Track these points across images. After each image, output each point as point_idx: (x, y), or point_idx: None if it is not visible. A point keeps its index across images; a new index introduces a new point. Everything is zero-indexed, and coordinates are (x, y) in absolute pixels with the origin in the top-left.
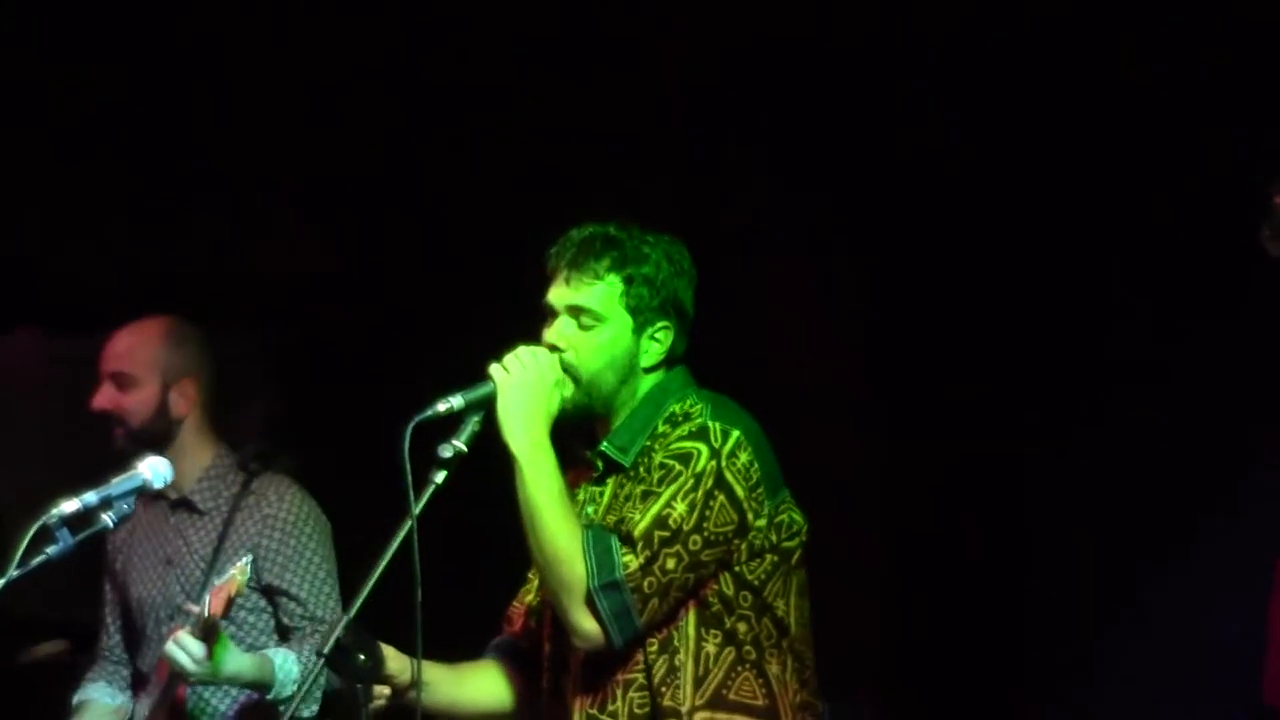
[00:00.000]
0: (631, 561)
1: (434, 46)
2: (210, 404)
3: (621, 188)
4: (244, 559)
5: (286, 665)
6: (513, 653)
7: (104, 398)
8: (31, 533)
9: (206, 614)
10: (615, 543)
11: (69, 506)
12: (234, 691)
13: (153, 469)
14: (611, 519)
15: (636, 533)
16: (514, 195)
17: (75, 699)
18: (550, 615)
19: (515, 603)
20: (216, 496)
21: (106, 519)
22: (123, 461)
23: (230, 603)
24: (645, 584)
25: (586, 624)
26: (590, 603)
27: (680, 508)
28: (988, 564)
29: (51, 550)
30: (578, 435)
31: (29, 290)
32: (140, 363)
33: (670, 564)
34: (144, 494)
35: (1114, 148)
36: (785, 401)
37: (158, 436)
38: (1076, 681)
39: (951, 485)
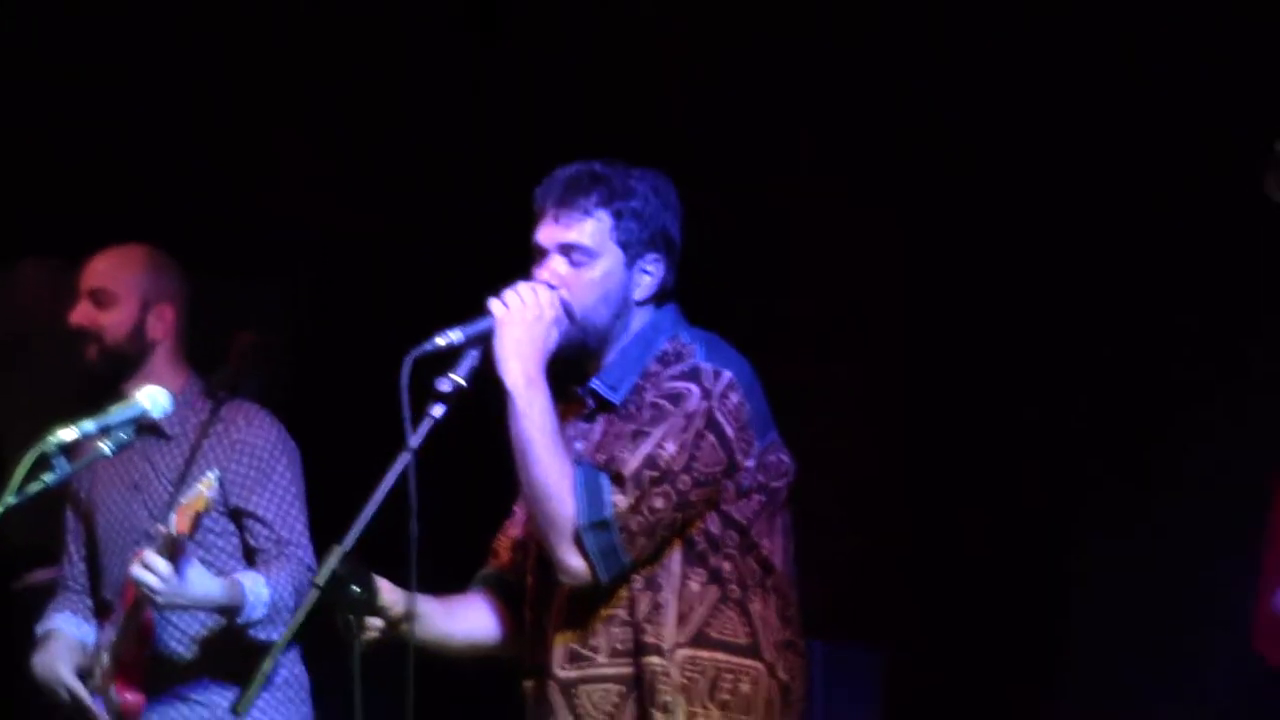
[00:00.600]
0: (621, 501)
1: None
2: (184, 333)
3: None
4: (209, 474)
5: (256, 588)
6: (500, 586)
7: (81, 314)
8: (30, 460)
9: (173, 532)
10: (605, 482)
11: (67, 434)
12: (202, 616)
13: (151, 399)
14: (601, 457)
15: (627, 472)
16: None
17: (40, 630)
18: (535, 550)
19: (501, 535)
20: (184, 422)
21: (104, 447)
22: (97, 380)
23: (197, 520)
24: (633, 523)
25: (574, 561)
26: (578, 540)
27: (671, 448)
28: (1004, 517)
29: (49, 478)
30: (568, 371)
31: (38, 222)
32: (121, 281)
33: (659, 503)
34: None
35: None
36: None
37: (131, 358)
38: (1086, 633)
39: (970, 440)
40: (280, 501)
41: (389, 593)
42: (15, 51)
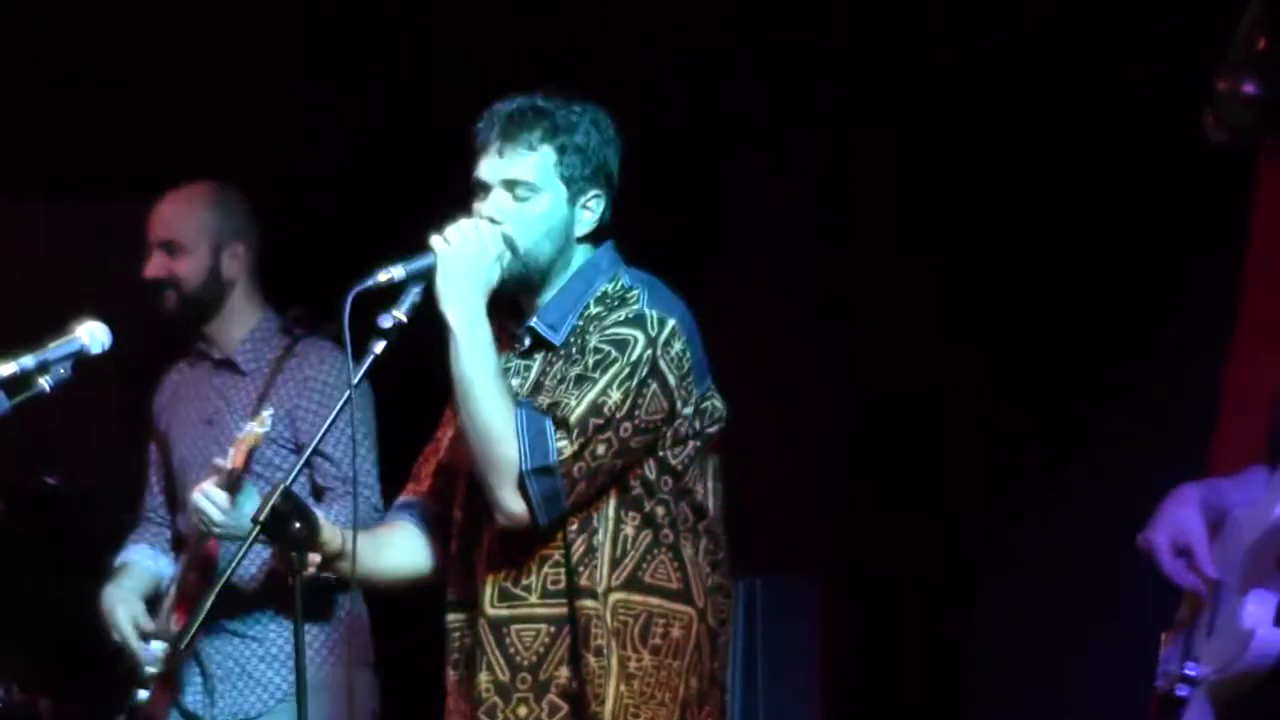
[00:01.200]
0: (566, 447)
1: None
2: (257, 266)
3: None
4: (264, 412)
5: None
6: (422, 514)
7: (156, 266)
8: None
9: (230, 465)
10: (549, 426)
11: (4, 370)
12: (263, 552)
13: (90, 334)
14: (544, 399)
15: (572, 419)
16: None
17: (117, 560)
18: (465, 484)
19: (422, 461)
20: (259, 358)
21: (43, 383)
22: (176, 328)
23: (250, 455)
24: (575, 469)
25: (514, 505)
26: (520, 484)
27: (615, 395)
28: (940, 452)
29: None
30: (502, 307)
31: None
32: (190, 229)
33: (600, 449)
34: (189, 356)
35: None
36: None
37: (209, 301)
38: (1021, 576)
39: (911, 380)
40: (348, 440)
41: (325, 530)
42: None
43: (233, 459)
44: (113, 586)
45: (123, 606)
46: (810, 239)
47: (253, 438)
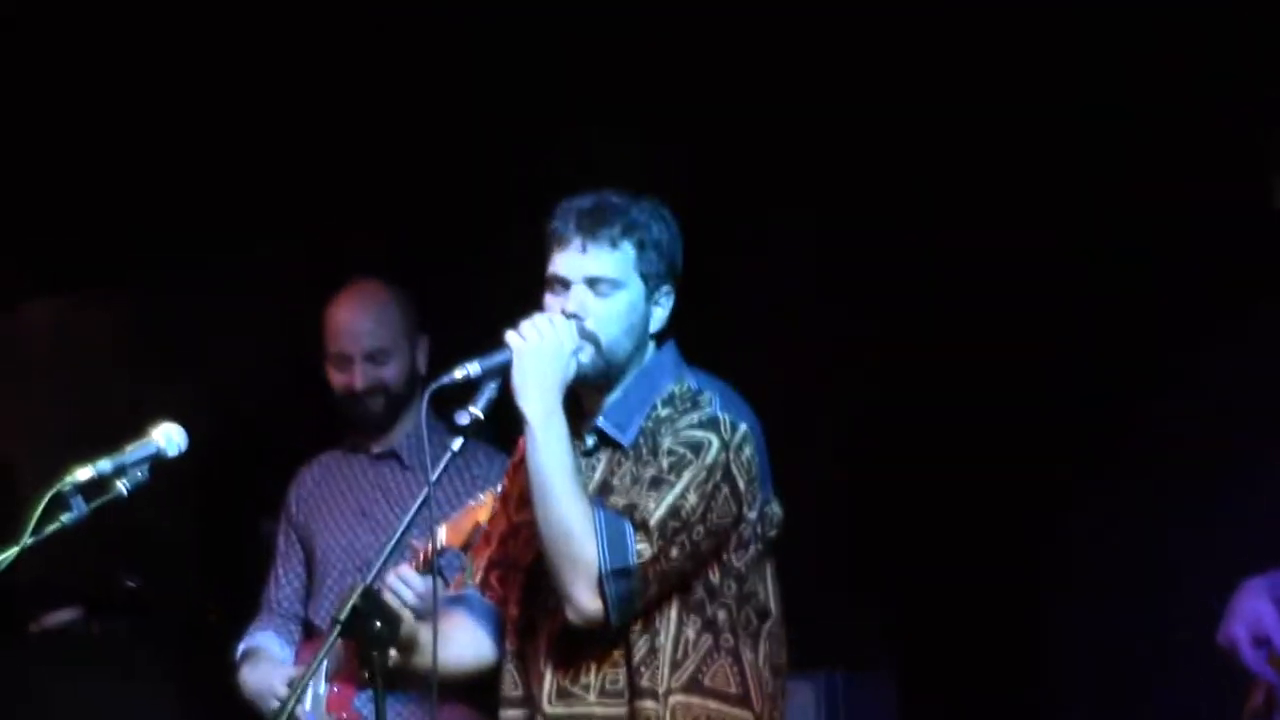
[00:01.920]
0: (645, 550)
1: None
2: None
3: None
4: (484, 493)
5: None
6: (479, 607)
7: (365, 377)
8: (46, 500)
9: (441, 544)
10: (629, 529)
11: (84, 474)
12: None
13: (167, 436)
14: (617, 500)
15: (652, 523)
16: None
17: (243, 646)
18: (522, 580)
19: (473, 553)
20: (422, 453)
21: (120, 486)
22: (379, 431)
23: (475, 530)
24: (652, 572)
25: (591, 605)
26: (599, 584)
27: (692, 498)
28: (1007, 545)
29: (66, 518)
30: (563, 405)
31: (41, 259)
32: (393, 334)
33: (675, 553)
34: (340, 449)
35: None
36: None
37: (410, 397)
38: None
39: (965, 470)
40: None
41: (409, 626)
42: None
43: (445, 538)
44: (252, 668)
45: (278, 676)
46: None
47: (482, 511)
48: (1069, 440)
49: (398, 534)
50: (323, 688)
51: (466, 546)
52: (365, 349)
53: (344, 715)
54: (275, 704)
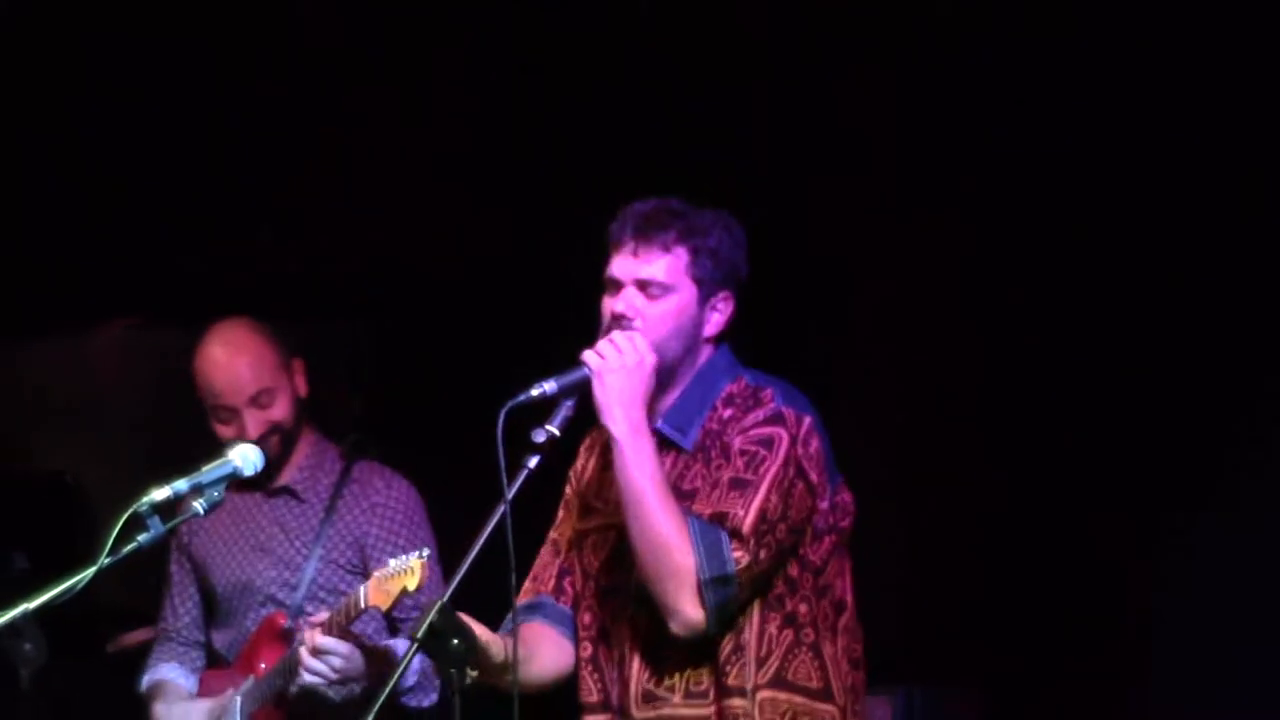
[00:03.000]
0: (743, 557)
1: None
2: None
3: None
4: (421, 551)
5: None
6: (555, 615)
7: (258, 424)
8: (123, 520)
9: (363, 604)
10: (725, 538)
11: (160, 494)
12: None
13: (243, 456)
14: (702, 508)
15: (745, 530)
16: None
17: (147, 679)
18: (595, 588)
19: (542, 562)
20: (316, 484)
21: (197, 506)
22: (276, 466)
23: (399, 598)
24: (747, 577)
25: (694, 613)
26: (699, 593)
27: (775, 498)
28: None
29: (143, 538)
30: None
31: (117, 282)
32: (269, 375)
33: (763, 554)
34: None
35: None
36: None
37: (299, 429)
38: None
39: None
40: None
41: (486, 643)
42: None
43: (370, 597)
44: (164, 703)
45: (195, 711)
46: (929, 323)
47: (412, 579)
48: (1168, 447)
49: (472, 553)
50: None
51: (390, 610)
52: (249, 395)
53: None
54: None
